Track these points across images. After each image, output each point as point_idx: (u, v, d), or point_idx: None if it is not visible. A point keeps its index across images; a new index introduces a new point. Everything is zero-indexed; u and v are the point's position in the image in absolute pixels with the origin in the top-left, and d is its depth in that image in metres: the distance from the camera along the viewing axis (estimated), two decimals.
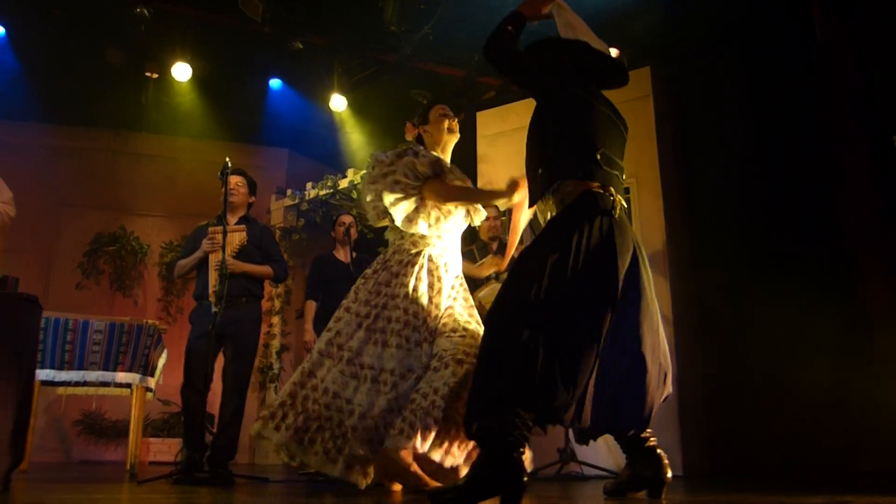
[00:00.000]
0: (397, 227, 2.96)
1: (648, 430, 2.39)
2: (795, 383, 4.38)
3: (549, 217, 2.47)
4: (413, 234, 2.90)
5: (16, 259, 6.09)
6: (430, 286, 2.79)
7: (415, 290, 2.76)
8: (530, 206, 2.58)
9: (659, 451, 2.37)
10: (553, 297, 2.14)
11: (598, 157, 2.40)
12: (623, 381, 2.30)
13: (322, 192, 6.57)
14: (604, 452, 4.44)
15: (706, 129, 5.23)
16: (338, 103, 6.66)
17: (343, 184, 6.39)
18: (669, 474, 2.34)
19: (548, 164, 2.47)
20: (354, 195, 6.40)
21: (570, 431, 4.45)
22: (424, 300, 2.75)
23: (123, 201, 7.45)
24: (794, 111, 4.70)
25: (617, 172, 2.48)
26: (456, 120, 3.15)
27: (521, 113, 6.04)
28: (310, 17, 5.95)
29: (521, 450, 2.02)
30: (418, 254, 2.86)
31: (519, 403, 2.04)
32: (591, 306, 2.16)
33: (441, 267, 2.86)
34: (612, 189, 2.39)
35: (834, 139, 4.42)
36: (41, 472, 4.64)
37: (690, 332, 4.86)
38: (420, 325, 2.70)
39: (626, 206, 2.43)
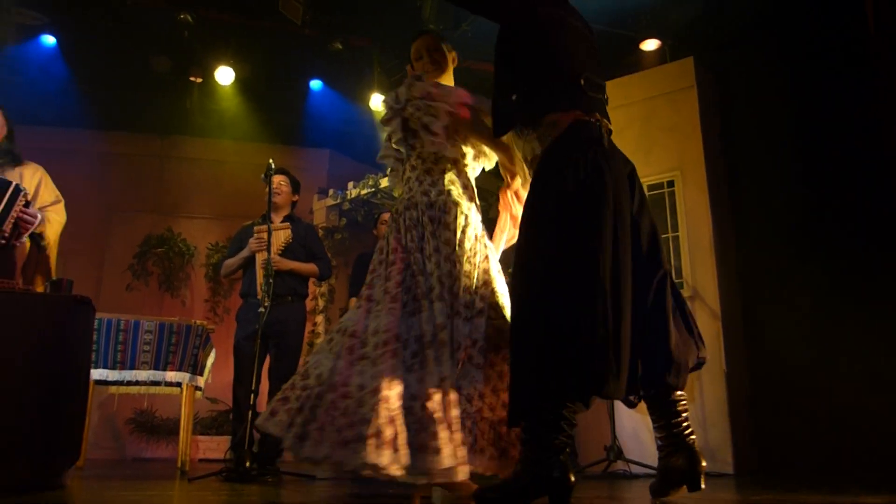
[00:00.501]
0: (416, 169, 2.57)
1: (687, 424, 2.15)
2: (847, 379, 4.26)
3: (529, 152, 2.29)
4: (438, 183, 2.52)
5: (69, 262, 6.26)
6: (469, 261, 2.40)
7: (468, 261, 2.39)
8: (496, 135, 2.37)
9: (692, 439, 2.14)
10: (563, 262, 1.98)
11: (582, 82, 2.22)
12: (648, 317, 2.08)
13: (363, 192, 6.62)
14: (651, 450, 4.37)
15: (752, 119, 5.11)
16: (378, 102, 6.69)
17: (384, 182, 6.42)
18: (704, 463, 2.10)
19: (525, 94, 2.25)
20: (396, 193, 6.42)
21: (616, 429, 4.41)
22: (472, 278, 2.36)
23: (171, 204, 7.61)
24: (844, 99, 4.56)
25: (601, 96, 2.29)
26: (434, 53, 2.75)
27: None
28: (349, 18, 5.99)
29: (567, 449, 1.97)
30: (458, 215, 2.46)
31: (561, 397, 1.95)
32: (601, 252, 1.97)
33: (472, 226, 2.48)
34: (597, 115, 2.21)
35: (888, 128, 4.27)
36: (96, 469, 4.77)
37: (738, 327, 4.76)
38: (463, 305, 2.32)
39: (611, 129, 2.26)
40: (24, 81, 6.17)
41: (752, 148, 5.07)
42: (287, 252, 4.21)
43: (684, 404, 2.15)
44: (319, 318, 6.68)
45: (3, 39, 6.04)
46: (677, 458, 2.12)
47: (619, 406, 4.39)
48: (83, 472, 4.35)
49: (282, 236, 4.19)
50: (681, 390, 2.12)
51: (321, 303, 6.73)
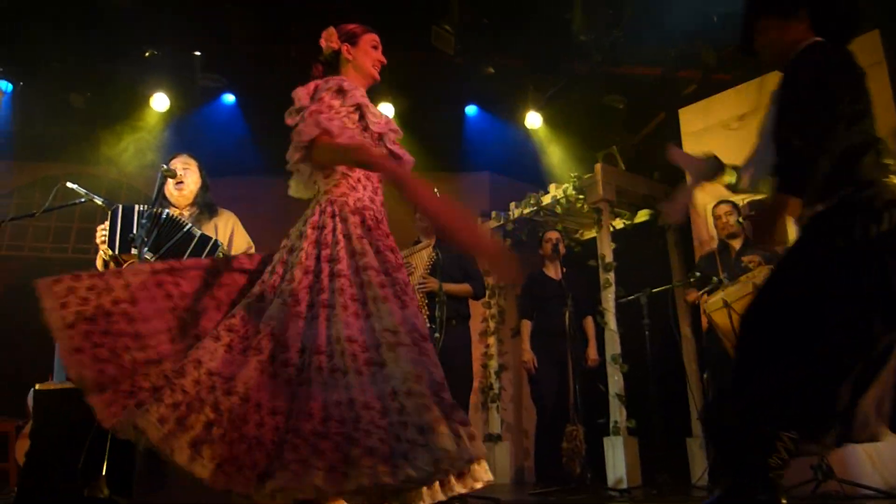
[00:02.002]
0: None
1: None
2: None
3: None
4: None
5: None
6: None
7: None
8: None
9: None
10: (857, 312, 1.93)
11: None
12: None
13: (526, 211, 6.61)
14: (868, 468, 3.94)
15: None
16: (533, 120, 6.69)
17: (546, 200, 6.37)
18: None
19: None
20: (558, 210, 6.35)
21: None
22: None
23: None
24: None
25: None
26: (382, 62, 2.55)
27: (727, 104, 5.67)
28: (498, 40, 6.05)
29: (782, 473, 1.86)
30: None
31: (785, 424, 1.90)
32: None
33: None
34: None
35: None
36: None
37: None
38: None
39: None
40: (210, 138, 6.79)
41: None
42: (443, 274, 4.20)
43: None
44: (492, 340, 6.71)
45: (192, 102, 6.72)
46: None
47: None
48: None
49: (425, 256, 4.22)
50: None
51: (492, 324, 6.76)
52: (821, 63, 2.11)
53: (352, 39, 2.52)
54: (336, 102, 2.35)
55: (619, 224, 6.44)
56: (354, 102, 2.36)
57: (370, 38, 2.55)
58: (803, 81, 2.09)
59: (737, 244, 4.73)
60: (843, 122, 2.07)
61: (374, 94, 6.56)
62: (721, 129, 5.64)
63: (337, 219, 2.23)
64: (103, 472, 2.62)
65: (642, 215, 6.43)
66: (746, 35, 2.42)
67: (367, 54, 2.52)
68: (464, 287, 4.32)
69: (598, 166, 5.93)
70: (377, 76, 2.56)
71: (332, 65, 2.54)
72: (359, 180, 2.35)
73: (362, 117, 2.40)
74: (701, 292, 4.74)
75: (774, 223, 2.03)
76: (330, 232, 2.19)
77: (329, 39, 2.52)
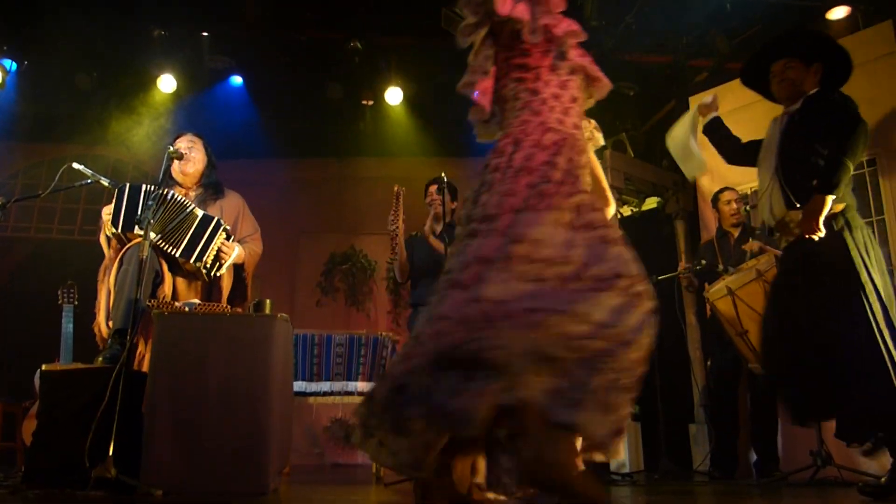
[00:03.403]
0: None
1: None
2: None
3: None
4: None
5: (266, 284, 6.77)
6: None
7: None
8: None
9: None
10: None
11: None
12: None
13: None
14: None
15: None
16: None
17: None
18: None
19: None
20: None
21: (823, 432, 4.01)
22: None
23: (351, 222, 8.00)
24: None
25: None
26: None
27: (737, 92, 5.59)
28: None
29: None
30: None
31: None
32: None
33: None
34: None
35: None
36: (301, 475, 5.10)
37: None
38: None
39: None
40: (218, 120, 6.77)
41: None
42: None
43: None
44: None
45: (200, 83, 6.69)
46: None
47: None
48: (290, 477, 4.65)
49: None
50: None
51: None
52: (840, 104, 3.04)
53: None
54: None
55: (626, 211, 6.41)
56: None
57: None
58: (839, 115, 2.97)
59: (736, 232, 4.73)
60: None
61: (383, 79, 6.54)
62: (731, 115, 5.59)
63: None
64: (110, 453, 2.64)
65: (650, 202, 6.40)
66: (761, 67, 3.33)
67: None
68: None
69: (608, 153, 5.90)
70: None
71: None
72: None
73: None
74: (686, 271, 4.78)
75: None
76: None
77: None
